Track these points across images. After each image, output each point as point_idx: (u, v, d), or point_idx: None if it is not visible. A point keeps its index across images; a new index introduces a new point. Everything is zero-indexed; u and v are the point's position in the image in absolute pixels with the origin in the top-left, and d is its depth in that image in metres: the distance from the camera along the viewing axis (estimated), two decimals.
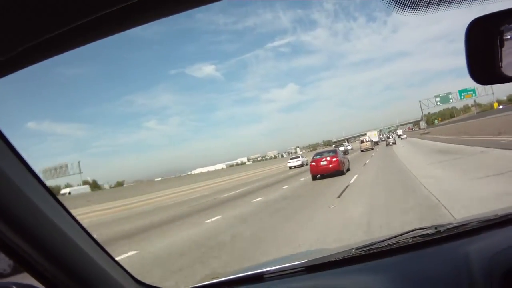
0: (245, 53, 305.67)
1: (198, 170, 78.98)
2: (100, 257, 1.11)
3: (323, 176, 18.16)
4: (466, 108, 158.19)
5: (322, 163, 18.32)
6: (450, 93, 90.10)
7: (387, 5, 0.74)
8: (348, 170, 20.00)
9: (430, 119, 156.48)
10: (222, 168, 57.93)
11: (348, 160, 21.41)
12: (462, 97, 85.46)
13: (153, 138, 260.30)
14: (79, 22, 0.64)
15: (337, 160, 18.19)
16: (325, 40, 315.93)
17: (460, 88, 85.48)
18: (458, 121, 73.71)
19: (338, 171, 17.93)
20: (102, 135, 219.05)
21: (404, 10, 0.76)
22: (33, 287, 1.07)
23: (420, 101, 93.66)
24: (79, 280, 1.03)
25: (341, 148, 56.70)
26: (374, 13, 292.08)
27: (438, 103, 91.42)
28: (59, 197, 1.04)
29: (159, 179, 54.44)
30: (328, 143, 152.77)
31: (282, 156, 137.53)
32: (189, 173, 74.83)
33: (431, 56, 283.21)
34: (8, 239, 0.87)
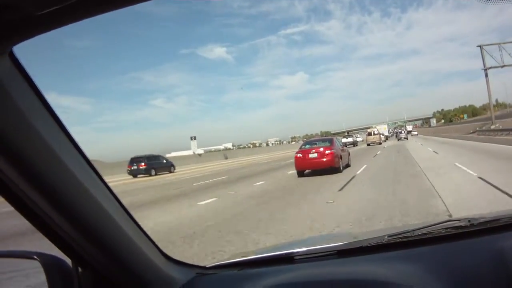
0: (257, 38, 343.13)
1: (173, 154, 76.59)
2: (130, 228, 1.10)
3: (315, 172, 15.23)
4: (486, 107, 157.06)
5: (311, 155, 15.22)
6: None
7: None
8: (347, 166, 17.20)
9: (447, 116, 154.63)
10: (199, 154, 55.05)
11: (349, 153, 18.53)
12: None
13: (159, 116, 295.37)
14: None
15: (331, 153, 15.05)
16: (338, 32, 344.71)
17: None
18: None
19: (332, 168, 14.95)
20: (107, 110, 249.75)
21: None
22: (57, 257, 1.06)
23: (481, 47, 50.91)
24: (107, 251, 1.03)
25: (349, 139, 54.90)
26: (390, 9, 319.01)
27: None
28: None
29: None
30: (326, 134, 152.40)
31: (267, 144, 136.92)
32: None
33: (442, 57, 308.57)
34: (34, 203, 0.87)
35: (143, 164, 29.82)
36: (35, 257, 1.07)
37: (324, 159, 14.98)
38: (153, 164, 30.57)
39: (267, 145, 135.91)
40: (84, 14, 0.76)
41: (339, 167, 15.29)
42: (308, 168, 15.48)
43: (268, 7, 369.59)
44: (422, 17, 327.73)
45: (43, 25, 0.75)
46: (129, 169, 30.21)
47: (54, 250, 1.04)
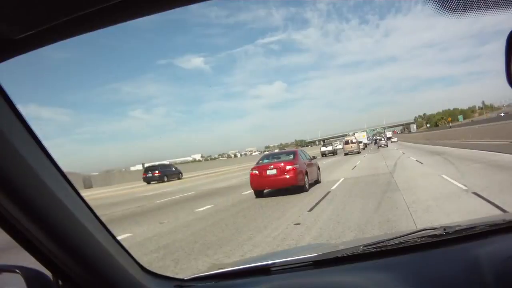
0: (235, 47, 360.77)
1: (136, 167, 74.63)
2: (107, 242, 1.15)
3: (279, 192, 13.27)
4: (473, 110, 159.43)
5: (269, 172, 13.20)
6: None
7: (431, 7, 0.87)
8: (316, 182, 15.36)
9: (432, 120, 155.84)
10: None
11: (318, 167, 16.60)
12: None
13: (138, 127, 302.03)
14: (78, 13, 0.77)
15: (293, 169, 13.05)
16: (316, 40, 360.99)
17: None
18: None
19: (295, 186, 13.04)
20: (86, 122, 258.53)
21: (446, 12, 0.88)
22: (38, 271, 1.12)
23: None
24: (85, 264, 1.08)
25: (329, 148, 54.22)
26: (367, 16, 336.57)
27: None
28: None
29: (96, 173, 50.62)
30: (300, 143, 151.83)
31: (235, 156, 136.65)
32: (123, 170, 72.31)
33: (421, 63, 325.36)
34: (14, 218, 0.92)
35: (157, 172, 35.09)
36: (16, 270, 1.13)
37: (286, 176, 12.99)
38: (165, 172, 35.74)
39: (235, 156, 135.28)
40: (60, 37, 0.82)
41: (304, 185, 13.37)
42: (267, 188, 13.49)
43: (245, 16, 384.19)
44: (400, 23, 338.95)
45: (21, 48, 0.83)
46: (144, 176, 35.44)
47: (35, 264, 1.08)
